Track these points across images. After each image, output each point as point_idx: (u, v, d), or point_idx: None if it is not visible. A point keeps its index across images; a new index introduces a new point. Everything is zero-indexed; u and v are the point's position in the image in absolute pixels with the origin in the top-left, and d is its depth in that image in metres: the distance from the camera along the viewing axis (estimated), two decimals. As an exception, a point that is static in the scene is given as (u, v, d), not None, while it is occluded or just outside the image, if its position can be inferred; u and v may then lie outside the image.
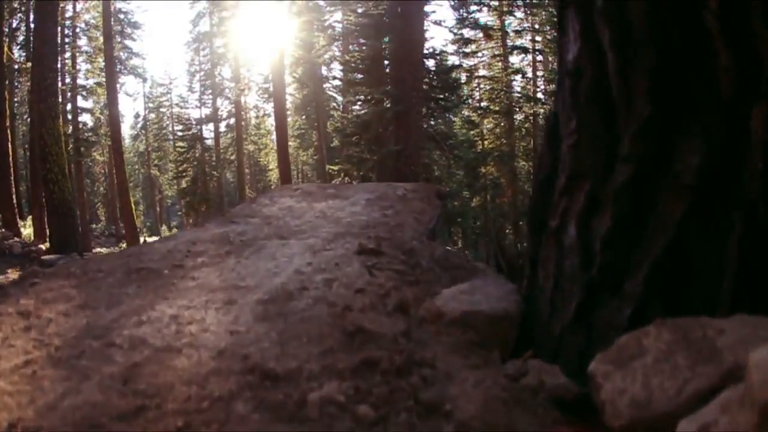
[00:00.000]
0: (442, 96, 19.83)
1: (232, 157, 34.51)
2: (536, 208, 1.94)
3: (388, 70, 18.92)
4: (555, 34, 27.14)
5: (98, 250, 33.02)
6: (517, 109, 31.18)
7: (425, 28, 18.64)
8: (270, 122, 35.31)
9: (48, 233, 16.41)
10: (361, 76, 19.23)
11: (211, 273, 2.45)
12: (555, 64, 30.40)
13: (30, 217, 21.13)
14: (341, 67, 26.14)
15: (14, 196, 19.39)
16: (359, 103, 19.16)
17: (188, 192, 31.19)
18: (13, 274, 14.75)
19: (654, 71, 1.52)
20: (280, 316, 1.87)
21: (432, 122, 21.38)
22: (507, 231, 36.03)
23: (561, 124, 1.81)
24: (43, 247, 16.40)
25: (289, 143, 32.85)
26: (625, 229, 1.56)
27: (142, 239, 30.23)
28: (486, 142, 32.92)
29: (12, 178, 19.20)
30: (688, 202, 1.48)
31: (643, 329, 1.37)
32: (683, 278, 1.52)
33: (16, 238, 17.28)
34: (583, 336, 1.65)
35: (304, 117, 36.15)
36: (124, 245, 28.33)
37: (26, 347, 1.82)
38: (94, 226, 40.11)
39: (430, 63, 19.45)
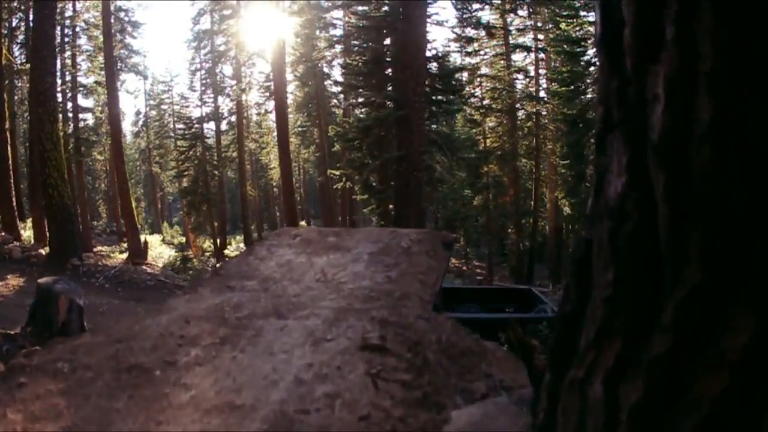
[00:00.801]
0: (444, 99, 19.68)
1: (234, 155, 34.51)
2: (560, 344, 1.80)
3: (389, 72, 18.75)
4: (558, 33, 26.84)
5: (99, 248, 33.04)
6: (520, 108, 31.04)
7: (427, 30, 18.44)
8: (272, 119, 35.13)
9: (48, 238, 16.32)
10: (362, 79, 19.04)
11: (206, 378, 2.32)
12: (557, 62, 30.20)
13: (30, 219, 20.99)
14: (342, 70, 25.95)
15: (14, 199, 19.29)
16: (360, 106, 18.95)
17: (189, 191, 31.10)
18: (12, 281, 14.68)
19: (713, 234, 1.33)
20: (278, 463, 1.75)
21: (434, 123, 21.19)
22: (509, 230, 36.00)
23: (594, 266, 1.63)
24: (42, 251, 16.32)
25: (291, 141, 32.77)
26: (657, 401, 1.43)
27: (142, 238, 30.29)
28: (488, 141, 32.81)
29: (12, 181, 19.10)
30: (728, 378, 1.34)
31: None
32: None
33: (15, 242, 17.20)
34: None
35: (305, 114, 36.06)
36: (125, 245, 28.21)
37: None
38: (95, 223, 40.09)
39: (433, 65, 19.27)
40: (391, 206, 19.67)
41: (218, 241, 32.79)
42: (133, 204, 27.57)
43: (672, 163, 1.36)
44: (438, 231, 4.73)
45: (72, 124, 26.13)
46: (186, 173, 31.61)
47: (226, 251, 20.36)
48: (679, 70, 1.36)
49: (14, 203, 19.28)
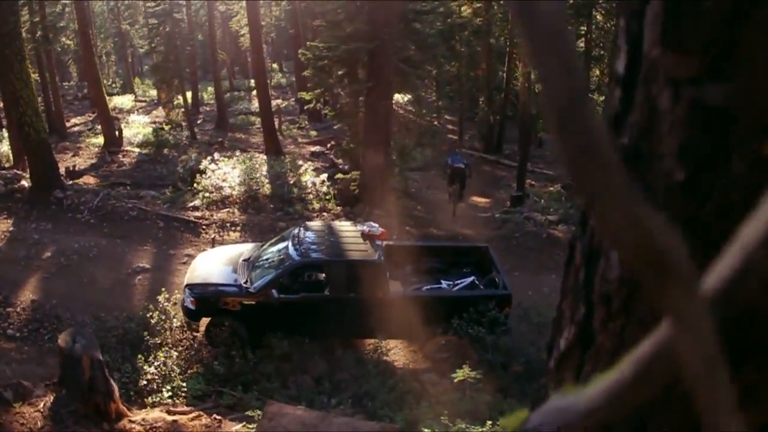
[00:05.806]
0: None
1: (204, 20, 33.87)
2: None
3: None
4: None
5: (74, 121, 33.29)
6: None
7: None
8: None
9: (29, 174, 16.89)
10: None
11: None
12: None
13: (7, 134, 21.10)
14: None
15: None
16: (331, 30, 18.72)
17: (161, 68, 30.92)
18: (1, 224, 15.40)
19: None
20: None
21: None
22: (480, 101, 36.50)
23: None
24: (25, 183, 16.91)
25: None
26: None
27: (111, 103, 30.57)
28: (463, 10, 32.45)
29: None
30: None
31: None
32: None
33: (-4, 173, 17.78)
34: None
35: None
36: (99, 128, 28.35)
37: None
38: (66, 85, 39.57)
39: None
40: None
41: (190, 105, 33.01)
42: (104, 89, 27.50)
43: None
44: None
45: (39, 15, 25.20)
46: (156, 49, 31.26)
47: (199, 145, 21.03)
48: None
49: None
